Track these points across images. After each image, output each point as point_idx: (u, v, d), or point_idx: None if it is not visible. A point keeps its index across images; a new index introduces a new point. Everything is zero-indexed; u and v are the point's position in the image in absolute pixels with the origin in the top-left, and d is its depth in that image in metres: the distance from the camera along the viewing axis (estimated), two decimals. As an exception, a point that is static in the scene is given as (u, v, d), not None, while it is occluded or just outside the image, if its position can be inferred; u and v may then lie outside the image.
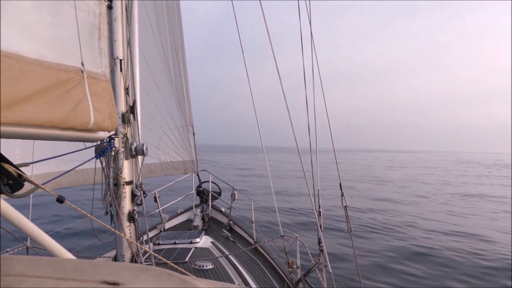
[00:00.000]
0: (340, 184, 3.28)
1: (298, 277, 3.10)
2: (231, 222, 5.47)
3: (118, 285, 0.74)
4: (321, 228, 2.77)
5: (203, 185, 6.55)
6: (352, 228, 3.09)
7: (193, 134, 6.18)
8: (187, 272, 1.87)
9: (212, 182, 6.58)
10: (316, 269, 2.80)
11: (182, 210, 6.23)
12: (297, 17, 3.02)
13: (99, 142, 2.15)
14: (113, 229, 1.93)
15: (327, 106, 3.52)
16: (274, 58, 2.68)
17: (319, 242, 2.78)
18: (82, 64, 1.64)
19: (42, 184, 1.47)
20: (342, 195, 3.14)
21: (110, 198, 2.22)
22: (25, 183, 1.42)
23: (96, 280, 0.75)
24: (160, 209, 5.24)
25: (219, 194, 6.63)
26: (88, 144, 2.11)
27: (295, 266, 3.17)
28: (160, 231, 5.09)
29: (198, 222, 5.42)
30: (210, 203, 6.29)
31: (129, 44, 2.42)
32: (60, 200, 1.51)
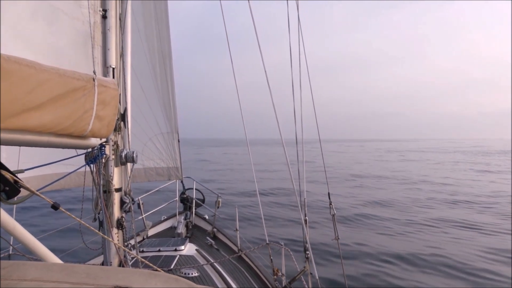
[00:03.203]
0: (328, 193, 3.36)
1: (283, 285, 3.13)
2: (214, 229, 5.48)
3: None
4: (307, 236, 2.83)
5: (187, 192, 6.52)
6: (339, 236, 3.17)
7: (178, 141, 6.17)
8: None
9: (196, 189, 6.56)
10: (302, 277, 2.85)
11: (165, 217, 6.18)
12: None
13: (90, 149, 2.17)
14: (104, 235, 1.95)
15: (313, 97, 3.44)
16: (260, 51, 2.74)
17: (305, 250, 2.83)
18: (94, 72, 1.66)
19: (37, 190, 1.49)
20: (330, 204, 3.21)
21: (100, 205, 2.22)
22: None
23: (109, 285, 0.78)
24: (143, 216, 5.20)
25: (203, 201, 6.61)
26: (80, 151, 2.12)
27: (280, 274, 3.20)
28: (143, 238, 5.04)
29: (181, 229, 5.40)
30: (193, 210, 6.27)
31: (122, 53, 2.45)
32: (55, 206, 1.52)
